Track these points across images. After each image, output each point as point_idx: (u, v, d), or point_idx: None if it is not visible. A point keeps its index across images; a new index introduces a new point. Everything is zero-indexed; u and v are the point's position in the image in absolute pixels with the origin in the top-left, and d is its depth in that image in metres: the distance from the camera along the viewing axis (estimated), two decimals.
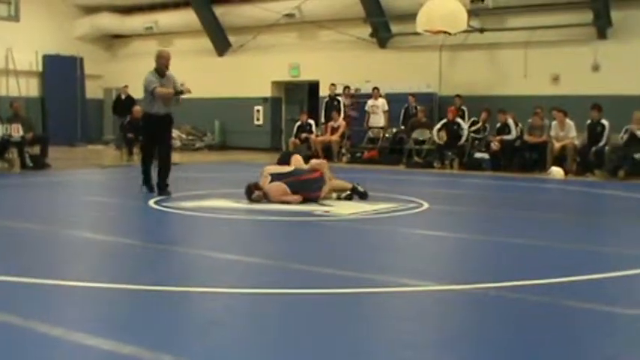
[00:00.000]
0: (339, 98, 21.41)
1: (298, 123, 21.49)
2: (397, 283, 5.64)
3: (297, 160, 11.11)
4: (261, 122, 26.43)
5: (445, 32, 18.77)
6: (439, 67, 21.90)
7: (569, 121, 16.98)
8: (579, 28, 19.72)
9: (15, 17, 23.86)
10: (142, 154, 12.12)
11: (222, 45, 26.96)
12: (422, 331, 4.44)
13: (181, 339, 4.19)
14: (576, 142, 16.81)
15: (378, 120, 21.05)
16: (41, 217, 9.47)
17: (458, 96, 20.34)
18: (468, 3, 19.85)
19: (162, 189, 11.25)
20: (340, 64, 23.54)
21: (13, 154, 16.56)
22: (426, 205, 10.48)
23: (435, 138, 19.00)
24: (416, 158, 19.59)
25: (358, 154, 20.85)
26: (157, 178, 11.38)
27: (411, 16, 19.54)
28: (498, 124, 18.37)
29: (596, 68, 19.63)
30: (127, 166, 17.93)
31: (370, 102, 21.18)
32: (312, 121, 21.33)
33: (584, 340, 4.30)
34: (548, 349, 4.11)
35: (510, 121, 18.21)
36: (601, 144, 16.35)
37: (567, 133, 16.93)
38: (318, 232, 8.69)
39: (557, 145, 16.83)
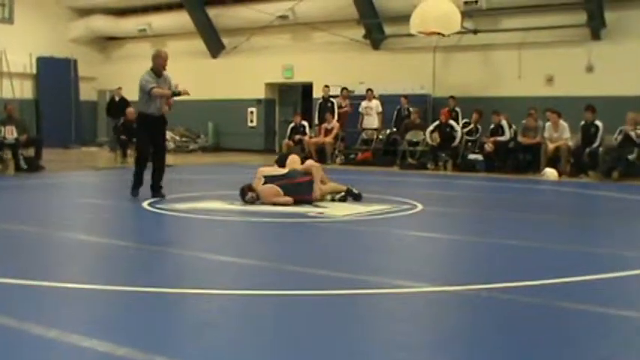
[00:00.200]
0: (333, 100, 21.42)
1: (292, 124, 21.50)
2: (391, 285, 5.65)
3: (293, 161, 11.11)
4: (254, 124, 26.43)
5: (439, 34, 18.81)
6: (433, 69, 21.91)
7: (563, 123, 17.00)
8: (573, 29, 19.76)
9: (9, 19, 23.88)
10: (137, 155, 11.71)
11: (215, 47, 26.96)
12: (416, 333, 4.45)
13: (176, 340, 4.19)
14: (570, 143, 16.84)
15: (371, 121, 21.07)
16: (36, 219, 9.46)
17: (452, 97, 20.37)
18: (462, 4, 19.89)
19: (157, 191, 11.18)
20: (334, 66, 23.56)
21: (7, 156, 16.55)
22: (419, 207, 10.50)
23: (428, 139, 19.02)
24: (410, 160, 19.61)
25: (352, 156, 20.85)
26: (151, 180, 11.26)
27: (404, 18, 19.57)
28: (492, 126, 18.40)
29: (590, 69, 19.66)
30: (121, 168, 17.90)
31: (364, 103, 21.20)
32: (305, 123, 21.34)
33: (578, 341, 4.31)
34: (542, 350, 4.12)
35: (504, 123, 18.24)
36: (595, 145, 16.39)
37: (561, 135, 16.95)
38: (312, 233, 8.69)
39: (551, 146, 16.86)
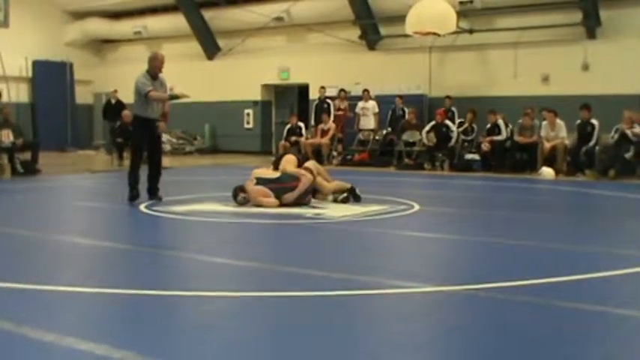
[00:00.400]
0: (329, 101, 21.43)
1: (288, 126, 21.51)
2: (388, 285, 5.65)
3: (287, 161, 10.99)
4: (251, 126, 26.45)
5: (434, 34, 18.82)
6: (429, 69, 21.93)
7: (559, 121, 17.02)
8: (568, 28, 19.78)
9: (4, 23, 23.85)
10: (132, 160, 11.28)
11: (211, 49, 26.98)
12: (413, 333, 4.44)
13: (172, 343, 4.18)
14: (567, 142, 16.85)
15: (368, 122, 21.08)
16: (32, 222, 9.44)
17: (448, 97, 20.39)
18: (457, 4, 19.92)
19: (154, 193, 11.12)
20: (330, 67, 23.58)
21: (3, 159, 16.52)
22: (416, 207, 10.50)
23: (424, 140, 19.03)
24: (406, 160, 19.63)
25: (349, 157, 20.85)
26: (147, 182, 11.15)
27: (399, 18, 19.59)
28: (488, 125, 18.41)
29: (585, 68, 19.69)
30: (118, 171, 17.88)
31: (361, 104, 21.21)
32: (302, 124, 21.36)
33: (575, 340, 4.30)
34: (539, 349, 4.11)
35: (500, 122, 18.26)
36: (591, 144, 16.40)
37: (558, 133, 16.97)
38: (308, 234, 8.69)
39: (547, 145, 16.87)
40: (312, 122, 21.86)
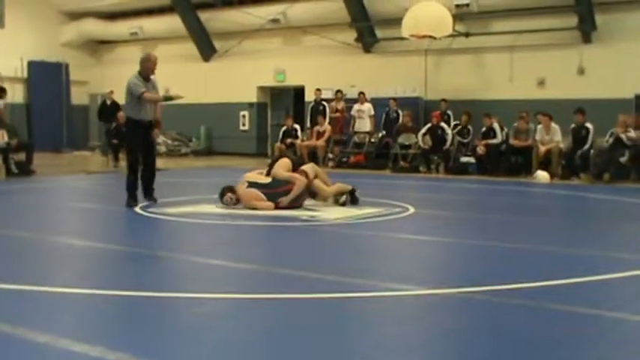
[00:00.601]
0: (325, 103, 21.44)
1: (284, 128, 21.50)
2: (382, 288, 5.65)
3: (279, 166, 10.78)
4: (247, 127, 26.45)
5: (430, 37, 18.84)
6: (424, 72, 21.96)
7: (554, 125, 17.04)
8: (564, 32, 19.83)
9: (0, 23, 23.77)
10: (129, 165, 11.02)
11: (207, 50, 26.97)
12: (407, 336, 4.44)
13: (167, 344, 4.18)
14: (562, 145, 16.87)
15: (364, 125, 21.08)
16: (27, 223, 9.42)
17: (444, 100, 20.40)
18: (453, 7, 19.96)
19: (149, 195, 11.00)
20: (326, 69, 23.59)
21: None
22: (412, 210, 10.51)
23: (420, 142, 19.03)
24: (402, 163, 19.63)
25: (344, 159, 20.85)
26: (142, 183, 10.94)
27: (396, 21, 19.61)
28: (484, 129, 18.43)
29: (581, 72, 19.75)
30: (113, 172, 17.87)
31: (356, 106, 21.21)
32: (297, 126, 21.34)
33: (569, 343, 4.31)
34: (534, 352, 4.12)
35: (496, 125, 18.28)
36: (586, 147, 16.44)
37: (553, 137, 16.99)
38: (303, 237, 8.69)
39: (542, 148, 16.89)
40: (308, 124, 21.87)
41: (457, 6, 20.31)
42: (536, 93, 20.20)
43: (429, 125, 19.15)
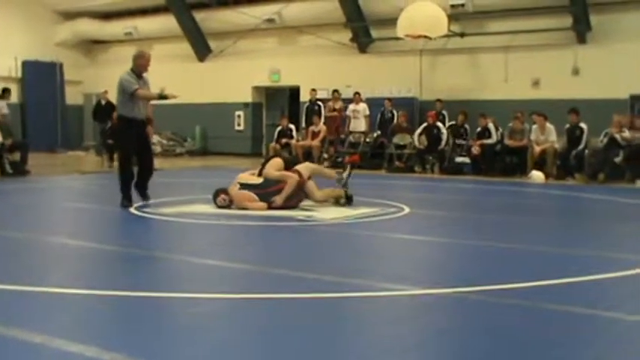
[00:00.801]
0: (320, 103, 21.43)
1: (279, 128, 21.50)
2: (378, 288, 5.65)
3: (271, 165, 10.71)
4: (242, 127, 26.43)
5: (426, 37, 18.84)
6: (420, 72, 21.97)
7: (549, 125, 17.07)
8: (559, 33, 19.86)
9: None
10: (121, 164, 10.80)
11: (202, 50, 26.95)
12: (402, 336, 4.44)
13: (163, 344, 4.17)
14: (556, 145, 16.90)
15: (359, 125, 21.05)
16: (21, 223, 9.41)
17: (439, 100, 20.41)
18: (449, 8, 19.97)
19: (142, 193, 10.87)
20: (321, 69, 23.58)
21: None
22: (407, 210, 10.51)
23: (416, 142, 19.04)
24: (397, 163, 19.64)
25: (339, 159, 20.82)
26: (137, 177, 10.71)
27: (391, 21, 19.60)
28: (479, 129, 18.44)
29: (576, 72, 19.77)
30: (108, 172, 17.84)
31: (352, 106, 21.19)
32: (292, 126, 21.34)
33: (564, 343, 4.31)
34: (529, 352, 4.12)
35: (491, 126, 18.30)
36: (580, 147, 16.46)
37: (547, 137, 17.02)
38: (299, 237, 8.69)
39: (537, 149, 16.91)
40: (303, 124, 21.86)
41: (452, 6, 20.33)
42: (531, 93, 20.22)
43: (424, 125, 19.15)
